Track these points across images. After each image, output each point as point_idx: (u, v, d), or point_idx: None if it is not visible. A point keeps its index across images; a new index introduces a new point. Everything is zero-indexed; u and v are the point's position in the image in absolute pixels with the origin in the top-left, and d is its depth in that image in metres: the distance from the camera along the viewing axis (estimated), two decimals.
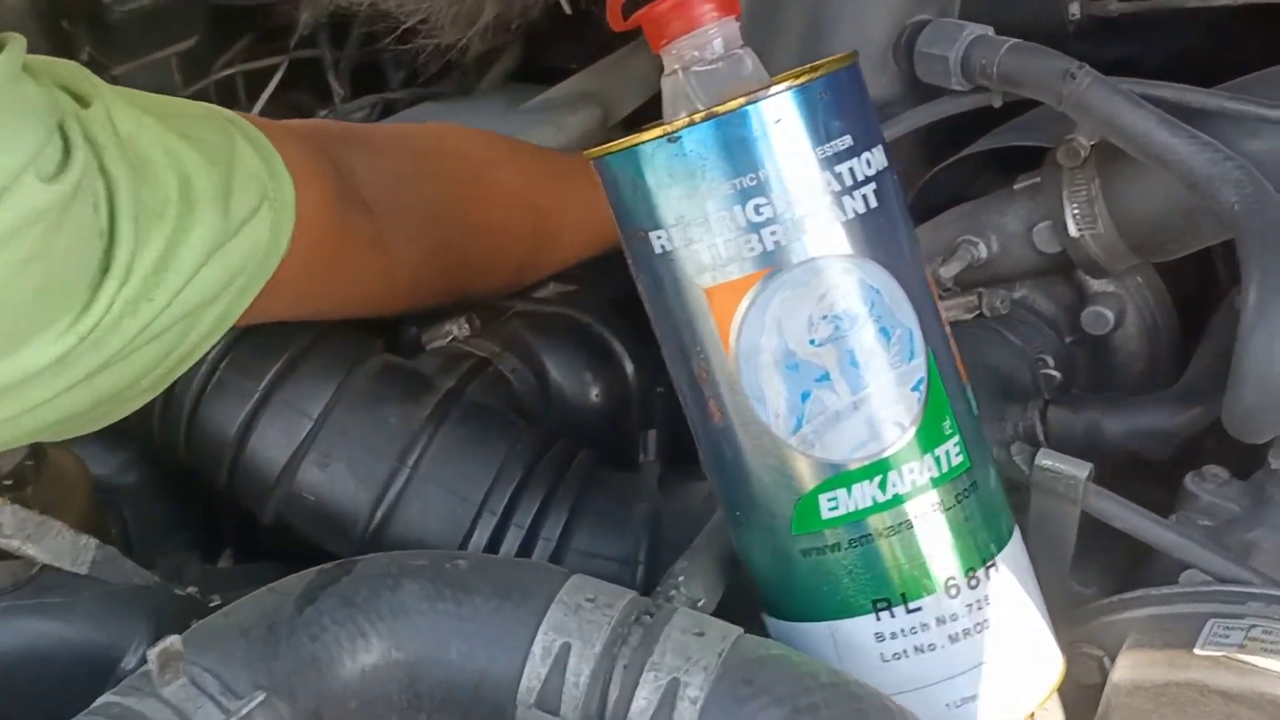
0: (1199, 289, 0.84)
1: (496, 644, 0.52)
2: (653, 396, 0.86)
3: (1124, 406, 0.72)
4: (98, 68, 1.12)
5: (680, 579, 0.58)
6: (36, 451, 0.70)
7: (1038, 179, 0.76)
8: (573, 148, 1.10)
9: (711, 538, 0.62)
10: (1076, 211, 0.73)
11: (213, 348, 0.68)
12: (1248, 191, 0.62)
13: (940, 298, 0.79)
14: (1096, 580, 0.66)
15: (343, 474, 0.73)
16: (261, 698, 0.48)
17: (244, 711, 0.47)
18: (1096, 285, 0.79)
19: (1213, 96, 0.66)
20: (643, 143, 0.53)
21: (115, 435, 0.75)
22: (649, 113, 1.19)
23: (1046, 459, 0.61)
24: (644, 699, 0.51)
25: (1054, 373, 0.76)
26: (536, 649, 0.52)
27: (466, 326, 0.82)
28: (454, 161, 0.83)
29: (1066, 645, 0.60)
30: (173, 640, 0.48)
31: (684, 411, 0.59)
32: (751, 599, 0.60)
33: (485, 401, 0.78)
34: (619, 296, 0.93)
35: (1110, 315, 0.79)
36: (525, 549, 0.72)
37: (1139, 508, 0.61)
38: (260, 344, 0.74)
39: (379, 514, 0.72)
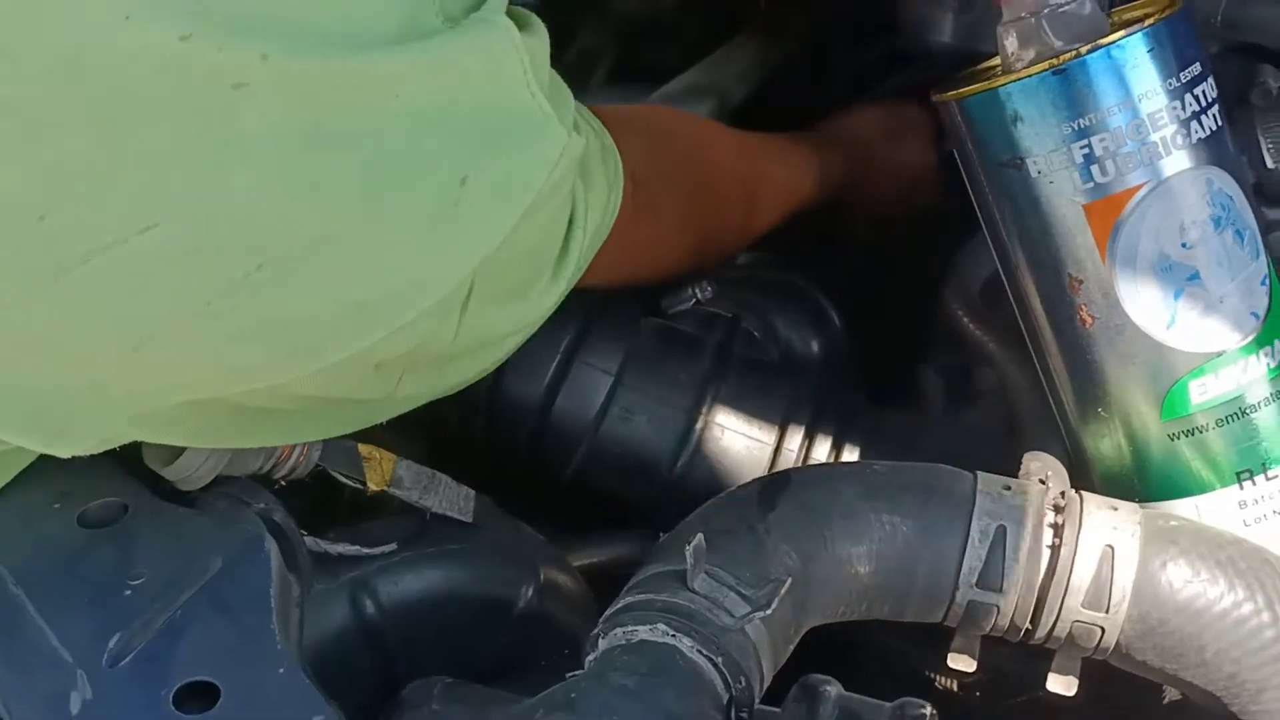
0: None
1: (938, 533, 0.58)
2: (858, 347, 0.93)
3: None
4: None
5: (1048, 474, 0.65)
6: None
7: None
8: None
9: (1039, 443, 0.69)
10: (1271, 145, 0.82)
11: None
12: None
13: None
14: None
15: (644, 426, 0.77)
16: (789, 582, 0.53)
17: (781, 594, 0.52)
18: (1272, 215, 0.88)
19: None
20: (1025, 79, 0.60)
21: None
22: (756, 103, 1.26)
23: None
24: (1083, 567, 0.57)
25: None
26: (975, 533, 0.58)
27: (709, 289, 0.87)
28: (681, 138, 0.88)
29: None
30: (699, 539, 0.53)
31: (1031, 327, 0.65)
32: None
33: (750, 355, 0.83)
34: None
35: None
36: None
37: None
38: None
39: (682, 460, 0.77)
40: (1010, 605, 0.58)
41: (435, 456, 0.83)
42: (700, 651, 0.50)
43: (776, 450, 0.77)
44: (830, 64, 1.25)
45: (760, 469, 0.77)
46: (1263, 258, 0.62)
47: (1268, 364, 0.62)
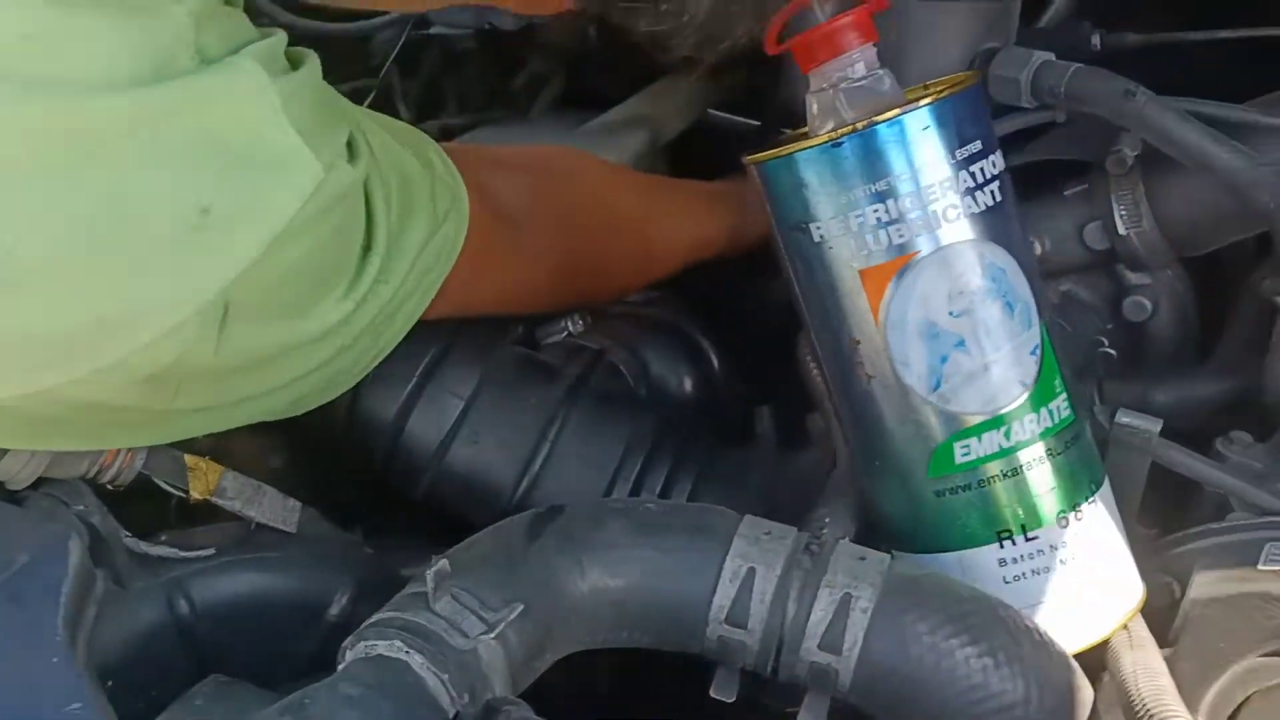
0: (1209, 281, 0.96)
1: (692, 570, 0.62)
2: (734, 387, 0.97)
3: (1170, 379, 0.83)
4: None
5: (827, 521, 0.68)
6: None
7: (1085, 185, 0.88)
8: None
9: (837, 490, 0.72)
10: (1124, 212, 0.85)
11: None
12: None
13: None
14: (1156, 522, 0.77)
15: (491, 450, 0.82)
16: (521, 608, 0.57)
17: (510, 618, 0.56)
18: (1134, 278, 0.91)
19: (1248, 112, 0.78)
20: (809, 148, 0.63)
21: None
22: (692, 135, 1.30)
23: (1125, 416, 0.72)
24: (821, 610, 0.61)
25: (1110, 351, 0.87)
26: (726, 573, 0.62)
27: (580, 322, 0.91)
28: (578, 182, 0.92)
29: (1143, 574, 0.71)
30: (444, 563, 0.57)
31: (828, 380, 0.69)
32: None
33: (607, 387, 0.87)
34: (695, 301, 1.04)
35: (1149, 304, 0.90)
36: None
37: (1202, 457, 0.72)
38: (411, 336, 0.82)
39: (524, 485, 0.81)
40: (755, 642, 0.61)
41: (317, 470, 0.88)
42: (429, 668, 0.54)
43: (613, 480, 0.81)
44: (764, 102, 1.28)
45: (596, 497, 0.81)
46: (1034, 329, 0.65)
47: (1032, 430, 0.65)
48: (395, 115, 1.28)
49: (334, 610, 0.71)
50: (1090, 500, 0.67)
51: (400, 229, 0.65)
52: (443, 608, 0.57)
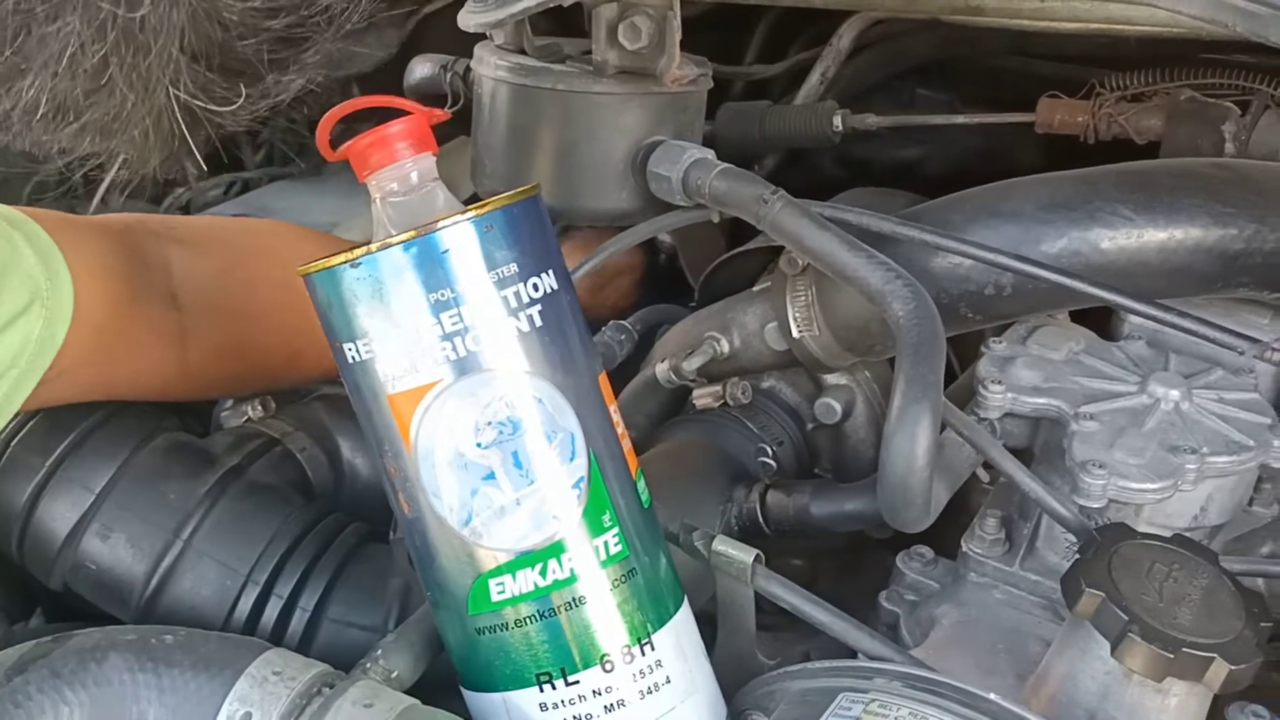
0: None
1: (188, 713, 0.59)
2: None
3: (828, 492, 0.79)
4: None
5: (379, 652, 0.65)
6: None
7: (770, 283, 0.84)
8: None
9: (423, 615, 0.69)
10: (797, 315, 0.81)
11: (6, 427, 0.75)
12: (911, 308, 0.69)
13: (691, 386, 0.87)
14: (782, 653, 0.73)
15: (122, 545, 0.79)
16: None
17: None
18: (830, 378, 0.87)
19: (887, 222, 0.73)
20: (333, 266, 0.60)
21: None
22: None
23: (720, 544, 0.68)
24: None
25: (770, 462, 0.83)
26: (223, 716, 0.59)
27: (260, 408, 0.88)
28: (268, 263, 0.89)
29: (737, 712, 0.67)
30: None
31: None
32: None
33: (267, 479, 0.84)
34: None
35: (838, 406, 0.86)
36: (284, 618, 0.78)
37: (799, 589, 0.68)
38: (51, 422, 0.80)
39: (153, 584, 0.78)
40: None
41: None
42: None
43: (245, 582, 0.78)
44: None
45: (227, 600, 0.78)
46: (580, 461, 0.61)
47: (572, 569, 0.61)
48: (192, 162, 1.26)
49: None
50: (646, 641, 0.63)
51: None
52: None
